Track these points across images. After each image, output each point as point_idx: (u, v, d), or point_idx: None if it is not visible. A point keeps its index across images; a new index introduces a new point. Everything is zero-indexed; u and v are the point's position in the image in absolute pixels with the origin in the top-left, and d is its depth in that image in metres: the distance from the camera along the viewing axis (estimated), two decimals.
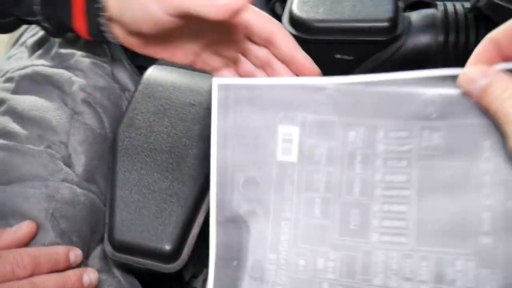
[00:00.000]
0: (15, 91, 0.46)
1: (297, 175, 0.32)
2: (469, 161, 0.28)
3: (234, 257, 0.32)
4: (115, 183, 0.41)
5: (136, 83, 0.48)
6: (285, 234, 0.31)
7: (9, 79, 0.47)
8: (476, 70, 0.27)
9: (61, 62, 0.48)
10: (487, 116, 0.27)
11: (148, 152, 0.42)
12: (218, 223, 0.32)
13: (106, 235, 0.41)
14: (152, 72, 0.48)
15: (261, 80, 0.32)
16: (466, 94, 0.28)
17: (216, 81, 0.33)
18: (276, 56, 0.36)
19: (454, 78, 0.28)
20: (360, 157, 0.31)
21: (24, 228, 0.38)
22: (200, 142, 0.43)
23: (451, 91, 0.29)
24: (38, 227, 0.38)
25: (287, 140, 0.32)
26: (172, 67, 0.48)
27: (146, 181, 0.41)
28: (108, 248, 0.40)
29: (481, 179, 0.28)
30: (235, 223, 0.32)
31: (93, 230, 0.42)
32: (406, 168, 0.30)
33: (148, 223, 0.39)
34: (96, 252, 0.42)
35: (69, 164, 0.43)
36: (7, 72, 0.48)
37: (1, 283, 0.35)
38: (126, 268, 0.42)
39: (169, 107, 0.45)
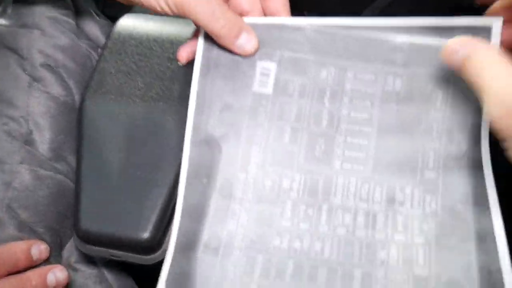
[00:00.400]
0: None
1: (270, 105, 0.34)
2: (423, 109, 0.33)
3: (205, 175, 0.34)
4: (81, 163, 0.36)
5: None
6: (255, 157, 0.34)
7: None
8: (456, 42, 0.29)
9: (18, 20, 0.41)
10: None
11: (119, 123, 0.37)
12: (192, 143, 0.34)
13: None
14: (124, 23, 0.42)
15: (244, 19, 0.35)
16: (448, 65, 0.30)
17: None
18: None
19: (422, 28, 0.32)
20: (329, 94, 0.34)
21: None
22: (181, 105, 0.38)
23: (418, 39, 0.33)
24: None
25: (265, 74, 0.35)
26: (149, 15, 0.42)
27: (117, 159, 0.36)
28: (76, 240, 0.35)
29: (430, 125, 0.33)
30: (209, 144, 0.34)
31: (64, 217, 0.38)
32: (369, 108, 0.33)
33: (120, 209, 0.35)
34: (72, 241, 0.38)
35: (30, 142, 0.38)
36: None
37: None
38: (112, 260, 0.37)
39: (144, 64, 0.39)
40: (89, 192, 0.35)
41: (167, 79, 0.39)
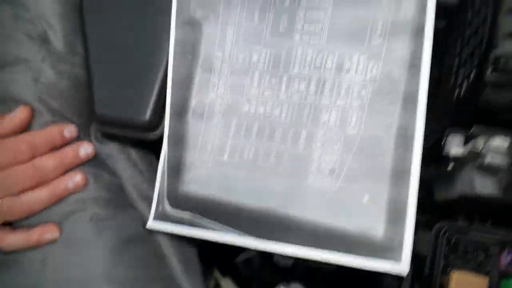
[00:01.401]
0: None
1: None
2: None
3: (189, 52, 0.41)
4: (88, 54, 0.42)
5: None
6: (230, 35, 0.41)
7: None
8: None
9: None
10: None
11: (116, 12, 0.41)
12: (177, 25, 0.41)
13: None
14: None
15: None
16: None
17: None
18: None
19: None
20: None
21: (19, 114, 0.39)
22: None
23: None
24: (33, 110, 0.40)
25: None
26: None
27: (118, 47, 0.41)
28: (95, 124, 0.43)
29: None
30: (191, 25, 0.41)
31: (86, 101, 0.43)
32: None
33: (125, 95, 0.40)
34: None
35: (46, 40, 0.42)
36: None
37: (5, 170, 0.38)
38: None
39: None
40: (98, 81, 0.41)
41: None
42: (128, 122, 0.40)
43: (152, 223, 0.41)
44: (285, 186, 0.38)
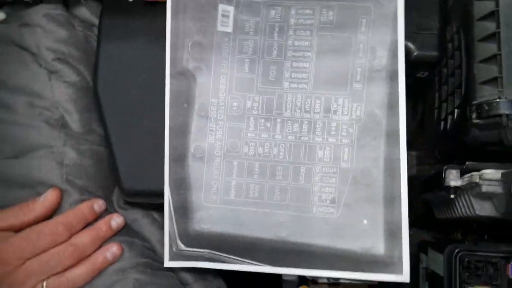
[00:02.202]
0: None
1: (232, 42, 0.43)
2: (351, 33, 0.41)
3: (185, 101, 0.43)
4: (108, 131, 0.43)
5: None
6: (223, 84, 0.43)
7: None
8: None
9: (19, 20, 0.46)
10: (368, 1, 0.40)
11: (132, 93, 0.43)
12: (172, 75, 0.43)
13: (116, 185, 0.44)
14: (110, 3, 0.46)
15: None
16: None
17: None
18: None
19: None
20: (277, 29, 0.42)
21: (49, 197, 0.42)
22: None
23: None
24: (61, 191, 0.42)
25: (225, 15, 0.43)
26: None
27: (135, 120, 0.43)
28: (121, 194, 0.44)
29: (358, 46, 0.41)
30: (185, 76, 0.43)
31: (108, 175, 0.46)
32: (309, 37, 0.42)
33: (148, 165, 0.43)
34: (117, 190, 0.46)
35: (64, 125, 0.44)
36: None
37: (47, 253, 0.40)
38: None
39: (140, 29, 0.44)
40: (121, 157, 0.43)
41: (159, 47, 0.43)
42: (154, 191, 0.43)
43: (169, 263, 0.43)
44: (292, 217, 0.41)
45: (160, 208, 0.44)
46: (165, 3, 0.43)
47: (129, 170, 0.43)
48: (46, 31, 0.45)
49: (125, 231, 0.45)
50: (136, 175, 0.43)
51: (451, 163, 0.38)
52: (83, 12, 0.48)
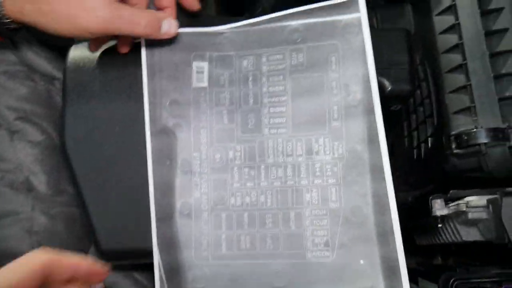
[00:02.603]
0: None
1: (208, 96, 0.43)
2: (323, 72, 0.41)
3: (167, 158, 0.43)
4: (81, 191, 0.41)
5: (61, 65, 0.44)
6: (204, 138, 0.43)
7: None
8: None
9: None
10: (333, 38, 0.41)
11: (105, 149, 0.42)
12: (152, 134, 0.43)
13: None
14: (74, 55, 0.44)
15: (179, 30, 0.43)
16: None
17: None
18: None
19: (312, 9, 0.41)
20: (251, 78, 0.43)
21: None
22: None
23: (310, 21, 0.41)
24: None
25: (200, 72, 0.43)
26: None
27: (108, 179, 0.41)
28: (99, 256, 0.41)
29: (331, 84, 0.41)
30: (165, 133, 0.43)
31: (82, 235, 0.43)
32: (283, 81, 0.42)
33: (127, 224, 0.41)
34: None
35: (31, 188, 0.41)
36: None
37: None
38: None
39: (110, 85, 0.43)
40: (97, 218, 0.40)
41: (133, 96, 0.43)
42: (137, 251, 0.41)
43: None
44: (287, 265, 0.40)
45: (141, 268, 0.43)
46: (135, 52, 0.43)
47: (107, 230, 0.41)
48: (6, 89, 0.43)
49: None
50: (115, 235, 0.41)
51: (428, 189, 0.38)
52: (43, 65, 0.46)
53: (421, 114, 0.42)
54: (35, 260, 0.28)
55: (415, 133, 0.43)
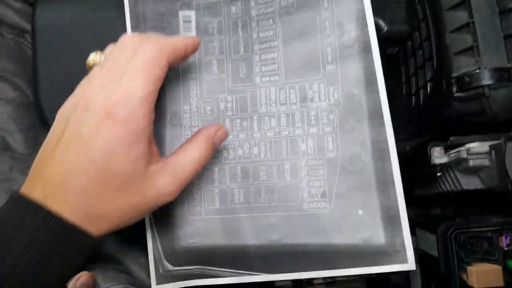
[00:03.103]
0: None
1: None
2: (314, 11, 0.39)
3: (155, 112, 0.42)
4: None
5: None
6: (193, 90, 0.41)
7: None
8: None
9: None
10: None
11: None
12: None
13: None
14: (42, 9, 0.40)
15: None
16: None
17: None
18: None
19: None
20: (241, 24, 0.41)
21: None
22: None
23: None
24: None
25: (186, 21, 0.41)
26: None
27: None
28: None
29: (323, 23, 0.39)
30: None
31: None
32: (273, 25, 0.40)
33: None
34: None
35: (7, 147, 0.40)
36: None
37: None
38: None
39: (86, 36, 0.40)
40: None
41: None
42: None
43: (157, 287, 0.40)
44: (283, 218, 0.39)
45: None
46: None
47: None
48: None
49: None
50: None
51: (427, 137, 0.37)
52: (10, 16, 0.42)
53: (420, 57, 0.39)
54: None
55: (413, 79, 0.41)
